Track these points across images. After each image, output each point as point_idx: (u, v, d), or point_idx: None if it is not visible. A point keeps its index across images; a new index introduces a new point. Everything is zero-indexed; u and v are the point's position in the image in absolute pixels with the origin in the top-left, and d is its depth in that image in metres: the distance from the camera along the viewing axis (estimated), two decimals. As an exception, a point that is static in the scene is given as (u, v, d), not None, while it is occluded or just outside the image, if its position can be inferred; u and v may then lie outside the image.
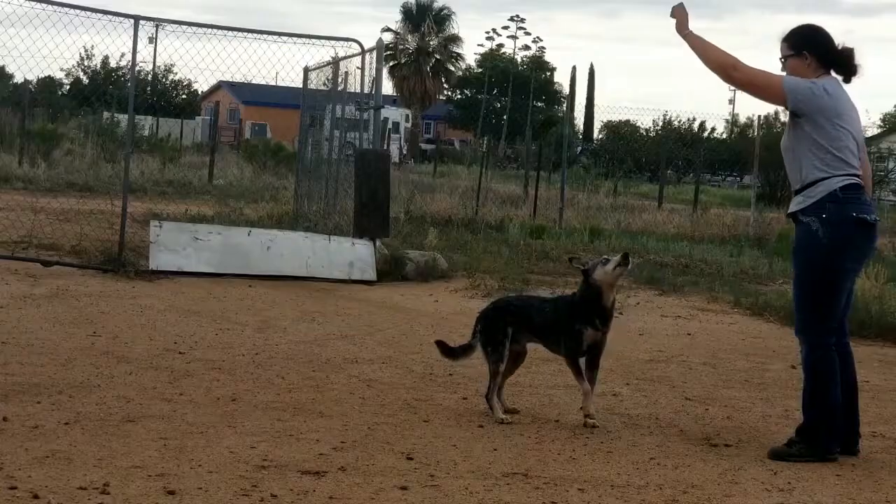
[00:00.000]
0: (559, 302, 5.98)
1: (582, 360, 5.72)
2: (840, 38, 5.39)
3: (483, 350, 5.85)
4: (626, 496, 4.52)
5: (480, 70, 68.74)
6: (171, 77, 58.13)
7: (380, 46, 12.20)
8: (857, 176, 5.20)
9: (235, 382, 6.16)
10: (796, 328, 5.33)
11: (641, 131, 49.67)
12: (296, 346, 7.45)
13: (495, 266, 12.08)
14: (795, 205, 5.28)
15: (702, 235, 18.45)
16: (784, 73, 5.34)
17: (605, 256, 5.82)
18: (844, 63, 5.32)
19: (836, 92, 5.24)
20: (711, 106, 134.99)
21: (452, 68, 59.83)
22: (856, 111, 5.33)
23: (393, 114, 45.08)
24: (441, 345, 6.05)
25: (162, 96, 53.62)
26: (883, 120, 60.32)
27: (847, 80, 5.35)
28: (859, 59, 5.33)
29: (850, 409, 5.32)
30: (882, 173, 32.06)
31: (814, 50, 5.30)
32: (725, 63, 5.27)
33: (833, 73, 5.33)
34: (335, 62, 13.56)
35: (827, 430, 5.20)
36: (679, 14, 5.45)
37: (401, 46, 57.22)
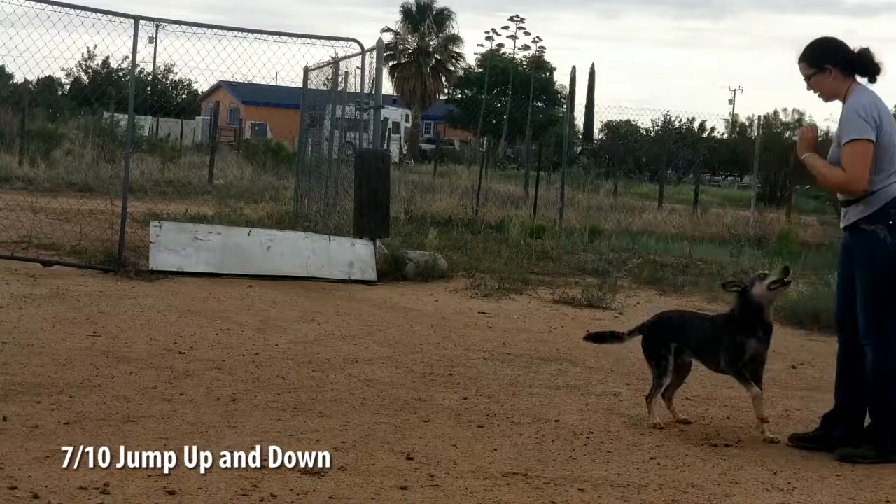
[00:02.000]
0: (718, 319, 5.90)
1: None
2: (844, 39, 5.40)
3: (647, 362, 5.97)
4: (626, 496, 4.52)
5: (480, 70, 68.75)
6: (171, 77, 58.20)
7: (380, 46, 12.20)
8: None
9: (235, 382, 6.16)
10: (862, 332, 5.29)
11: (641, 131, 49.69)
12: (296, 346, 7.45)
13: (495, 266, 12.09)
14: (855, 214, 5.27)
15: (702, 235, 18.46)
16: (855, 135, 5.19)
17: (763, 272, 5.76)
18: (867, 64, 5.32)
19: (875, 101, 5.25)
20: (711, 106, 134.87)
21: (452, 68, 59.85)
22: (890, 114, 5.36)
23: (393, 114, 45.07)
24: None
25: (162, 96, 53.60)
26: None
27: (872, 80, 5.36)
28: (879, 56, 5.34)
29: None
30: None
31: (834, 61, 5.30)
32: (840, 181, 5.24)
33: (858, 78, 5.33)
34: (335, 62, 13.57)
35: (894, 433, 5.23)
36: (806, 135, 5.47)
37: (401, 46, 57.23)
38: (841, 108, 5.33)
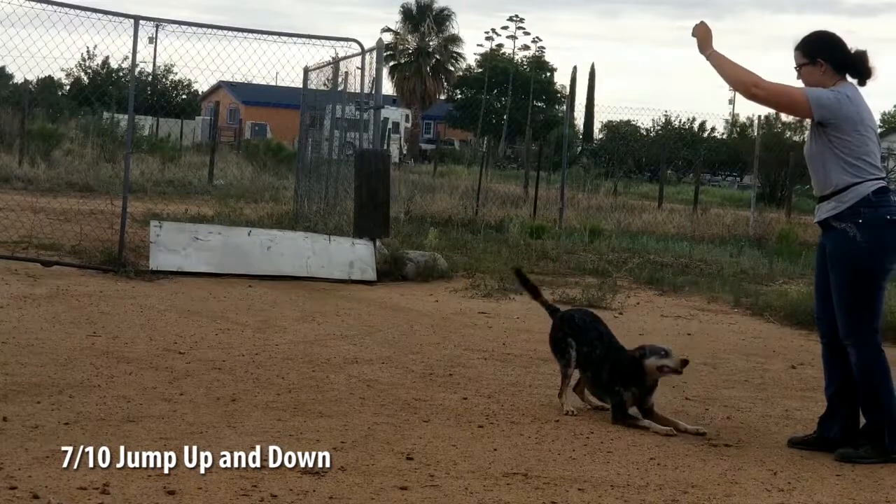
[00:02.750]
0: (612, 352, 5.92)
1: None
2: (845, 40, 5.40)
3: (552, 354, 6.14)
4: (626, 496, 4.52)
5: (480, 70, 68.76)
6: (171, 77, 58.18)
7: (380, 46, 12.20)
8: (884, 179, 5.26)
9: (235, 382, 6.16)
10: (842, 333, 5.29)
11: (641, 131, 49.69)
12: (296, 346, 7.45)
13: (495, 266, 12.08)
14: (826, 211, 5.28)
15: (702, 235, 18.47)
16: (804, 86, 5.33)
17: (665, 350, 5.79)
18: (859, 66, 5.33)
19: (856, 97, 5.25)
20: (711, 106, 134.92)
21: (452, 68, 59.87)
22: (872, 115, 5.36)
23: (393, 114, 45.11)
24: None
25: (162, 96, 53.59)
26: (883, 120, 60.30)
27: (862, 83, 5.35)
28: (873, 61, 5.34)
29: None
30: (882, 173, 32.00)
31: (828, 56, 5.30)
32: (746, 81, 5.30)
33: (849, 78, 5.33)
34: (335, 62, 13.57)
35: (891, 429, 5.23)
36: (701, 32, 5.45)
37: (401, 46, 57.27)
38: None
